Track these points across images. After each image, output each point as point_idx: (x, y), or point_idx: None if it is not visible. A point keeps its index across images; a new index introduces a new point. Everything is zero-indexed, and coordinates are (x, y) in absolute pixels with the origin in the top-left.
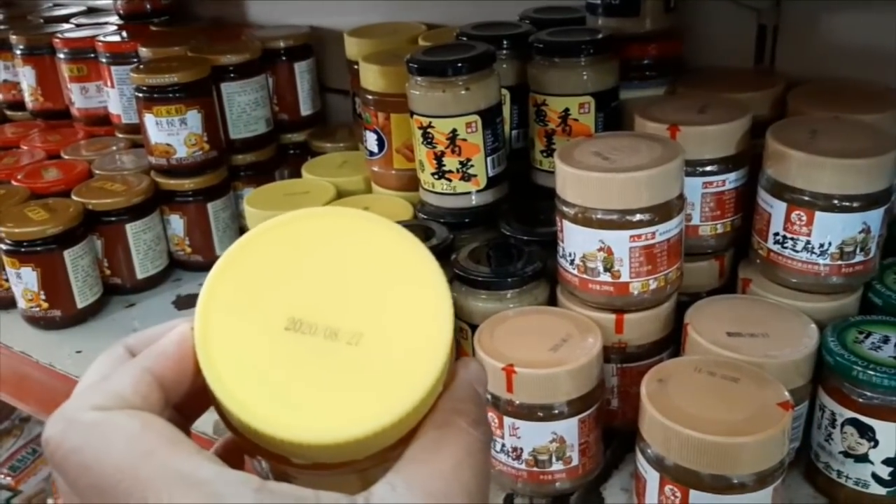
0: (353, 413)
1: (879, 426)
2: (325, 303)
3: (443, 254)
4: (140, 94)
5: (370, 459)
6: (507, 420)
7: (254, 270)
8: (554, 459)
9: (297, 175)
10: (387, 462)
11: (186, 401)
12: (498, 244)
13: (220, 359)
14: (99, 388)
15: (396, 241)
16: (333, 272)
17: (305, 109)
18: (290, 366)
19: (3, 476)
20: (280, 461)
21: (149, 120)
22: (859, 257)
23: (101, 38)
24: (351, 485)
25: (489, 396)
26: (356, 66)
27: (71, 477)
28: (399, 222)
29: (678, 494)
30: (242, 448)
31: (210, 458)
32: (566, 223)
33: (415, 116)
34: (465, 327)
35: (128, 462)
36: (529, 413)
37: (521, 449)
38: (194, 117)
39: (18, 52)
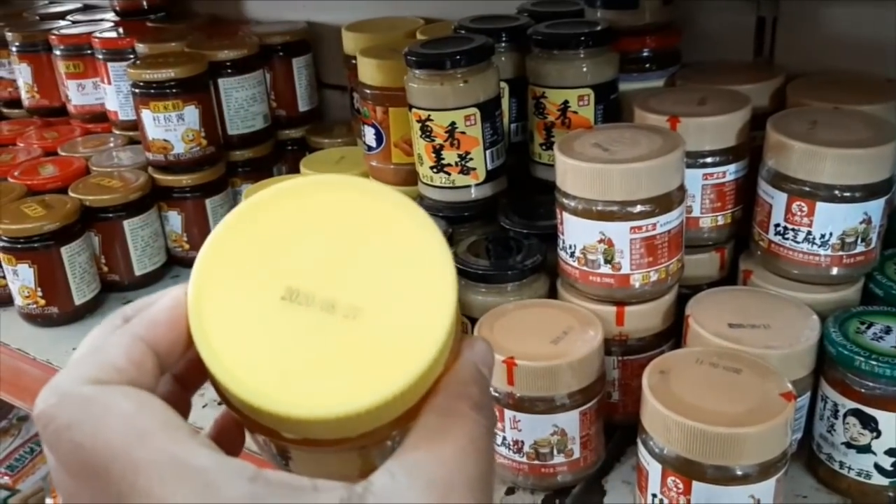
0: (343, 389)
1: (882, 416)
2: (325, 274)
3: None
4: (137, 90)
5: (364, 438)
6: (508, 413)
7: (253, 237)
8: (555, 452)
9: (295, 171)
10: (385, 441)
11: (185, 371)
12: (497, 237)
13: (211, 326)
14: (92, 359)
15: (403, 215)
16: (336, 243)
17: (303, 105)
18: (283, 337)
19: (0, 475)
20: (271, 435)
21: (146, 116)
22: (860, 248)
23: (98, 35)
24: (350, 463)
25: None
26: (354, 61)
27: (62, 454)
28: None
29: (680, 486)
30: (236, 420)
31: (206, 443)
32: (566, 215)
33: (413, 110)
34: (464, 321)
35: (121, 443)
36: (530, 406)
37: (522, 442)
38: (192, 113)
39: (14, 49)
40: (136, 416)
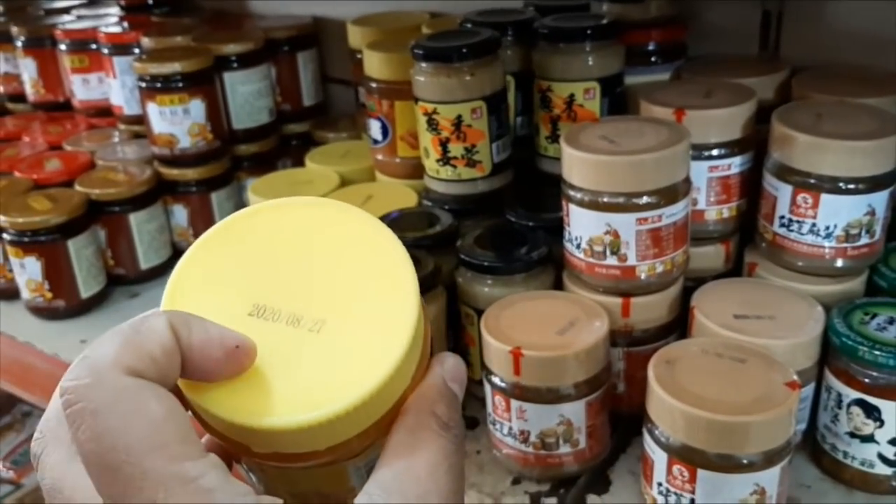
0: (304, 400)
1: (885, 406)
2: (291, 290)
3: (447, 240)
4: (143, 84)
5: (332, 452)
6: (515, 403)
7: (224, 257)
8: (561, 442)
9: (300, 166)
10: (356, 458)
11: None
12: (503, 230)
13: None
14: (131, 343)
15: (368, 232)
16: (303, 260)
17: (308, 100)
18: None
19: (5, 470)
20: (241, 450)
21: (152, 110)
22: (864, 240)
23: (103, 29)
24: (322, 479)
25: (496, 380)
26: (359, 55)
27: (79, 434)
28: (402, 209)
29: (686, 474)
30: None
31: (215, 463)
32: (572, 207)
33: (419, 103)
34: (470, 313)
35: (140, 448)
36: (537, 396)
37: (529, 432)
38: (197, 107)
39: (19, 43)
40: (162, 425)
